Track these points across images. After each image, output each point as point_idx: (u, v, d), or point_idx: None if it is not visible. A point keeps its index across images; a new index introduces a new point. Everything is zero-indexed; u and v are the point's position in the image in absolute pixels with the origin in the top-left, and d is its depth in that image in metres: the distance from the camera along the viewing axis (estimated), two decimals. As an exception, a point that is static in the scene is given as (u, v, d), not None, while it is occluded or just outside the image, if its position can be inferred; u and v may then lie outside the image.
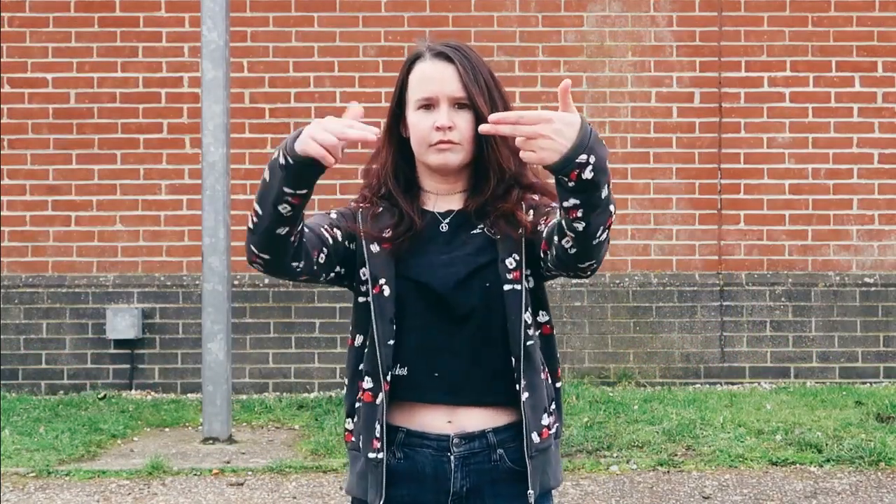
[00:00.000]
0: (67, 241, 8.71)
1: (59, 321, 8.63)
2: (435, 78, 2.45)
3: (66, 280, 8.67)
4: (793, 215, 8.77)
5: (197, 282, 8.48)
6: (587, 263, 2.33)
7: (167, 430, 7.52)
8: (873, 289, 8.72)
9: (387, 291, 2.43)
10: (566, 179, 2.17)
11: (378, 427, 2.42)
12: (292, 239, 2.31)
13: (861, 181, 8.79)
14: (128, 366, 8.62)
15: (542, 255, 2.42)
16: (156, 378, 8.61)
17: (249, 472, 6.45)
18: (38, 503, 5.96)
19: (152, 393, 8.56)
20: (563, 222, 2.27)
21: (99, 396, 8.33)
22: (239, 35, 8.55)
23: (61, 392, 8.53)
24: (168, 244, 8.72)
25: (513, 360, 2.43)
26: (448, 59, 2.46)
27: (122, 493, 6.10)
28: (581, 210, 2.21)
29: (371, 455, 2.43)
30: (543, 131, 2.15)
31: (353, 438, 2.52)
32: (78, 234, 8.71)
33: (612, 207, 2.26)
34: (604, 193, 2.21)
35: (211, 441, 7.09)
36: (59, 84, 8.71)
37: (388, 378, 2.41)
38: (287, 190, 2.24)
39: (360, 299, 2.48)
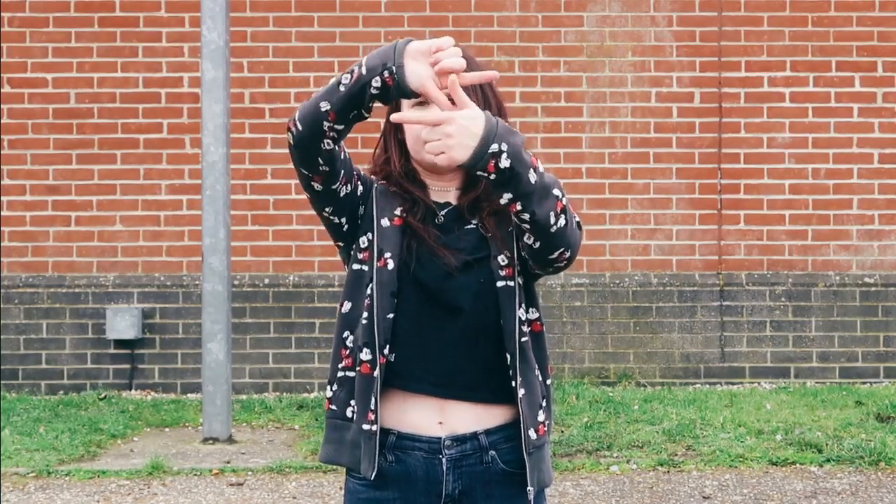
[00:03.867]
0: (67, 241, 8.72)
1: (59, 321, 8.63)
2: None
3: (66, 280, 8.67)
4: (793, 215, 8.77)
5: (197, 282, 8.48)
6: (556, 253, 2.37)
7: (167, 430, 7.52)
8: (873, 289, 8.72)
9: (391, 265, 2.43)
10: (485, 174, 2.22)
11: (373, 400, 2.41)
12: (326, 125, 2.30)
13: (861, 181, 8.79)
14: (128, 366, 8.62)
15: (524, 255, 2.45)
16: (156, 378, 8.61)
17: (249, 472, 6.45)
18: (38, 503, 5.96)
19: (152, 393, 8.56)
20: (514, 219, 2.33)
21: (99, 396, 8.33)
22: (239, 35, 8.55)
23: (61, 392, 8.53)
24: (168, 244, 8.72)
25: (508, 356, 2.44)
26: None
27: (122, 493, 6.10)
28: (519, 203, 2.27)
29: (365, 427, 2.42)
30: (448, 130, 2.20)
31: (332, 406, 2.50)
32: (78, 234, 8.71)
33: (555, 192, 2.29)
34: (532, 179, 2.25)
35: (211, 441, 7.09)
36: (59, 84, 8.71)
37: (386, 351, 2.42)
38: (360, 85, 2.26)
39: (355, 266, 2.49)
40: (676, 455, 6.62)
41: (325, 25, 8.74)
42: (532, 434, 2.46)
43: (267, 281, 8.66)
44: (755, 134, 8.78)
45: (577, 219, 2.40)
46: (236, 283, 8.46)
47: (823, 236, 8.79)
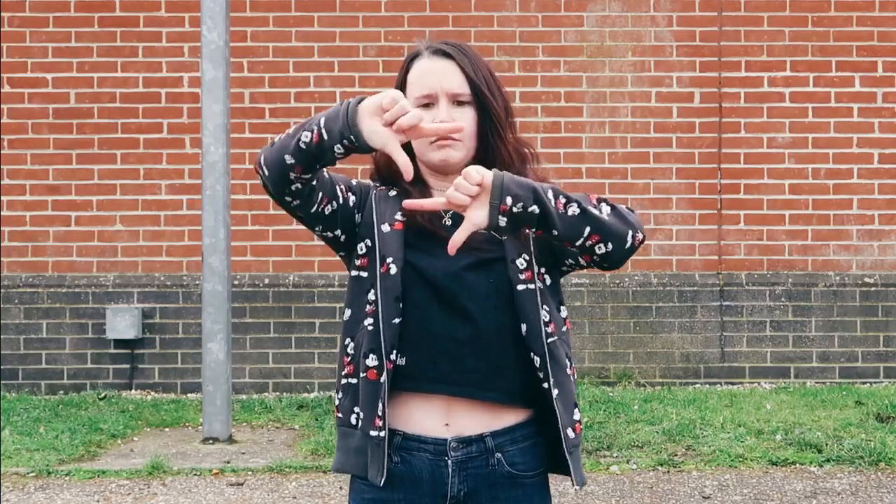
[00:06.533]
0: (67, 241, 8.72)
1: (59, 321, 8.63)
2: (434, 74, 2.45)
3: (66, 280, 8.67)
4: (793, 215, 8.77)
5: (197, 282, 8.48)
6: (630, 238, 2.38)
7: (167, 430, 7.52)
8: (873, 289, 8.72)
9: (393, 270, 2.42)
10: (503, 220, 2.26)
11: (381, 405, 2.40)
12: (293, 175, 2.32)
13: (861, 181, 8.79)
14: (128, 366, 8.62)
15: (573, 263, 2.47)
16: (156, 378, 8.61)
17: (249, 472, 6.45)
18: (38, 503, 5.96)
19: (152, 393, 8.56)
20: (577, 249, 2.38)
21: (99, 396, 8.33)
22: (239, 35, 8.55)
23: (61, 392, 8.53)
24: (168, 244, 8.72)
25: (536, 358, 2.42)
26: (446, 55, 2.47)
27: (122, 493, 6.10)
28: (563, 235, 2.33)
29: (373, 433, 2.41)
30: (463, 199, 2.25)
31: (339, 414, 2.50)
32: (78, 234, 8.71)
33: (591, 211, 2.33)
34: (560, 210, 2.30)
35: (211, 441, 7.09)
36: (59, 84, 8.71)
37: (392, 357, 2.40)
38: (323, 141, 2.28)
39: (353, 273, 2.49)
40: (676, 455, 6.62)
41: (325, 25, 8.74)
42: (570, 433, 2.46)
43: (267, 281, 8.66)
44: (755, 134, 8.78)
45: (627, 206, 2.43)
46: (236, 283, 8.46)
47: (823, 236, 8.79)
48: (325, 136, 2.26)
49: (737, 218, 8.77)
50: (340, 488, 6.07)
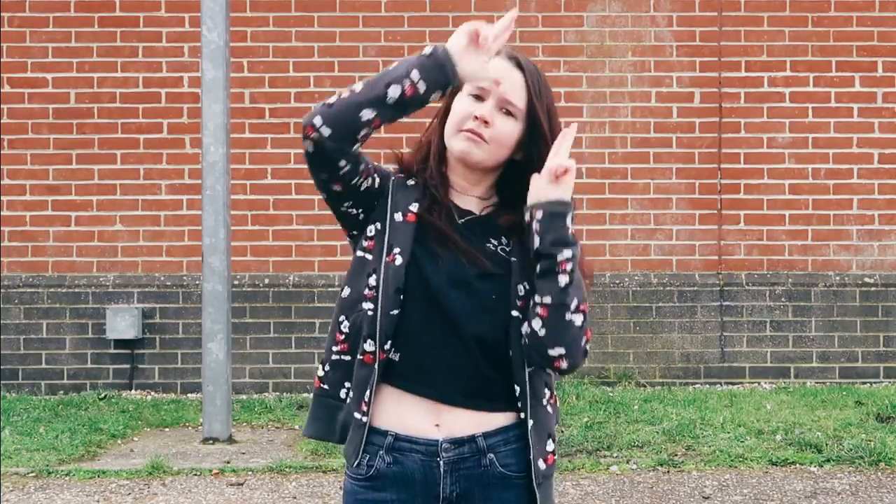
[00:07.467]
0: (67, 241, 8.71)
1: (59, 321, 8.63)
2: (499, 75, 2.44)
3: (66, 280, 8.67)
4: (793, 215, 8.77)
5: (197, 282, 8.48)
6: (556, 352, 2.37)
7: (167, 430, 7.52)
8: (873, 289, 8.72)
9: (398, 261, 2.41)
10: (563, 224, 2.36)
11: (368, 392, 2.41)
12: (365, 132, 2.34)
13: (861, 181, 8.79)
14: (128, 366, 8.62)
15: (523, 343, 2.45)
16: (156, 378, 8.61)
17: (249, 472, 6.45)
18: (38, 503, 5.96)
19: (152, 393, 8.56)
20: (544, 280, 2.36)
21: (99, 396, 8.33)
22: (239, 35, 8.55)
23: (61, 392, 8.53)
24: (168, 244, 8.72)
25: (517, 388, 2.43)
26: (519, 65, 2.48)
27: (122, 493, 6.11)
28: (571, 263, 2.35)
29: (357, 416, 2.43)
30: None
31: (324, 386, 2.50)
32: (78, 234, 8.71)
33: (584, 293, 2.39)
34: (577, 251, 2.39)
35: (211, 441, 7.10)
36: (59, 84, 8.71)
37: (387, 347, 2.41)
38: (421, 83, 2.33)
39: (359, 253, 2.49)
40: (676, 455, 6.62)
41: (325, 25, 8.74)
42: (542, 464, 2.46)
43: (267, 281, 8.66)
44: (755, 134, 8.78)
45: (587, 344, 2.41)
46: (236, 283, 8.46)
47: (823, 236, 8.79)
48: (423, 89, 2.32)
49: (737, 218, 8.77)
50: (340, 488, 6.07)
